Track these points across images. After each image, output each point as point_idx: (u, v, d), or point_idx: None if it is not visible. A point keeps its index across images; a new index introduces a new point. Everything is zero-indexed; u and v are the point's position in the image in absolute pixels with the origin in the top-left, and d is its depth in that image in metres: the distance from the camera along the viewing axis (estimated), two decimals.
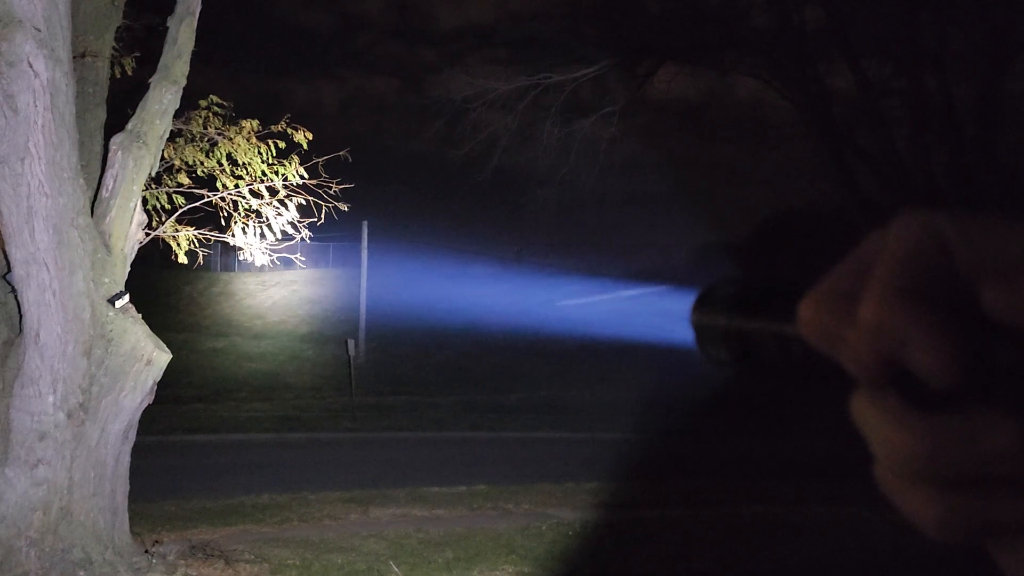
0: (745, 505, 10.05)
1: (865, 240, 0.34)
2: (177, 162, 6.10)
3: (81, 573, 4.96)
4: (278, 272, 31.20)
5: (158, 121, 5.37)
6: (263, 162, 6.24)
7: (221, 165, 6.21)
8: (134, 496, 5.81)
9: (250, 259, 6.49)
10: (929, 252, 0.32)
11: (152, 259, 6.48)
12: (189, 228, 6.27)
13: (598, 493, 10.98)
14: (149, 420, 5.75)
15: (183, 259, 6.32)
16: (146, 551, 5.78)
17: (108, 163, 5.19)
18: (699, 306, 0.48)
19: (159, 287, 26.25)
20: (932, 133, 11.08)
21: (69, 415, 4.90)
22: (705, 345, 0.47)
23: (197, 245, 6.42)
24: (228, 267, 32.13)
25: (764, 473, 13.19)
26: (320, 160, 6.47)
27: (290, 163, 6.30)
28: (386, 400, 21.82)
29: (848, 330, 0.32)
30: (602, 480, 12.39)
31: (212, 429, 17.44)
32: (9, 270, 4.85)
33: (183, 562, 5.89)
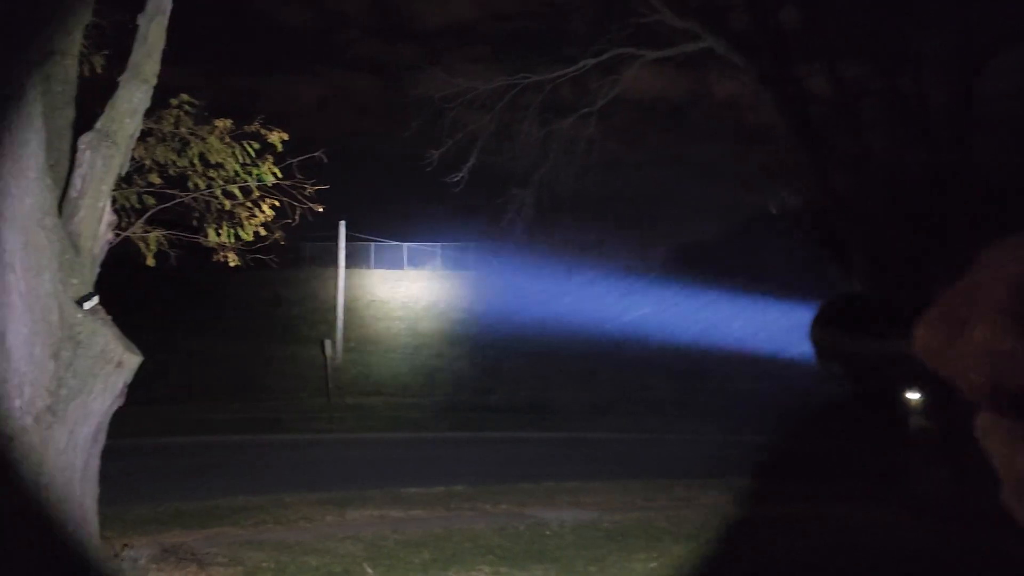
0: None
1: (979, 261, 0.33)
2: (148, 162, 6.02)
3: None
4: (254, 273, 30.99)
5: (128, 120, 5.28)
6: (236, 162, 6.17)
7: (193, 165, 6.14)
8: (105, 500, 5.72)
9: (223, 260, 6.43)
10: None
11: (133, 260, 6.37)
12: (160, 229, 6.19)
13: (577, 493, 10.98)
14: (121, 422, 5.67)
15: (151, 261, 6.24)
16: (115, 555, 5.70)
17: (76, 163, 5.10)
18: (820, 322, 0.47)
19: (135, 287, 25.95)
20: (907, 134, 11.18)
21: (36, 419, 4.82)
22: (825, 361, 0.46)
23: (168, 246, 6.35)
24: (204, 268, 31.80)
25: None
26: (295, 160, 6.42)
27: (264, 163, 6.24)
28: (364, 401, 21.73)
29: (964, 354, 0.31)
30: (583, 479, 12.41)
31: (187, 431, 17.29)
32: None
33: (154, 566, 5.82)
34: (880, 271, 10.26)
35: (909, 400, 10.18)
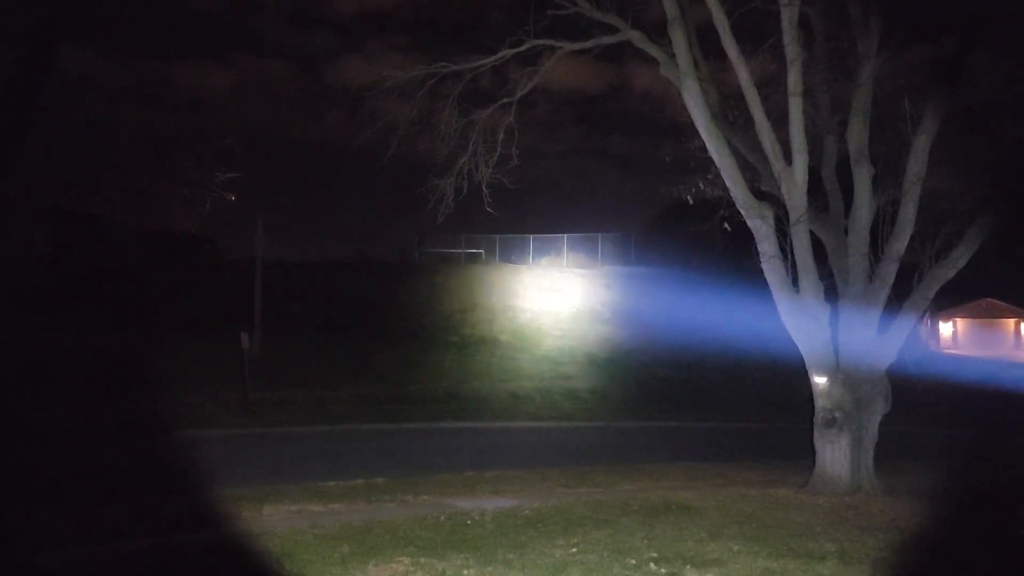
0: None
1: None
2: None
3: None
4: (161, 264, 29.99)
5: None
6: None
7: None
8: None
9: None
10: None
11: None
12: None
13: (497, 482, 11.05)
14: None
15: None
16: None
17: None
18: None
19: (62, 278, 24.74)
20: (816, 128, 11.55)
21: None
22: None
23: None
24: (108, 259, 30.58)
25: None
26: (203, 149, 6.23)
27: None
28: (283, 394, 21.28)
29: None
30: (504, 468, 12.50)
31: (104, 430, 16.59)
32: None
33: None
34: (787, 261, 10.64)
35: (817, 384, 10.63)
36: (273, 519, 8.14)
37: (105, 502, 8.63)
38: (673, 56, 10.93)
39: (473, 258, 39.34)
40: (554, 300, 33.17)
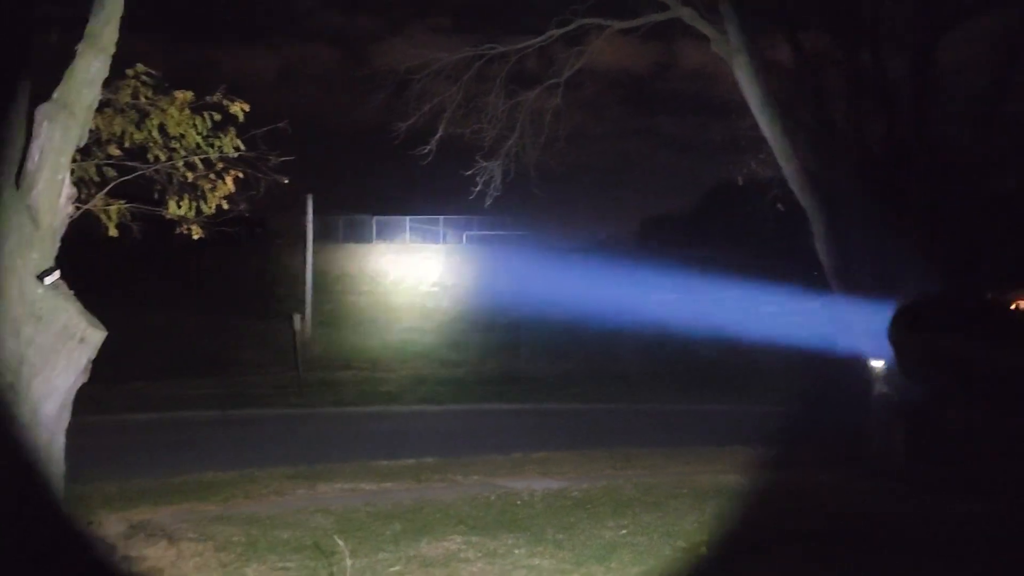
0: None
1: None
2: (106, 134, 5.89)
3: None
4: (221, 247, 30.59)
5: (86, 90, 5.17)
6: (198, 134, 6.07)
7: (152, 137, 6.02)
8: (72, 477, 5.68)
9: (186, 233, 6.35)
10: None
11: (95, 234, 6.27)
12: (121, 201, 6.08)
13: (545, 463, 11.10)
14: (87, 399, 5.61)
15: (113, 232, 6.13)
16: (83, 532, 5.67)
17: (33, 134, 4.99)
18: (900, 323, 0.43)
19: (100, 262, 25.51)
20: (867, 106, 11.31)
21: None
22: (907, 364, 0.42)
23: (130, 219, 6.25)
24: (169, 242, 31.25)
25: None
26: (258, 132, 6.33)
27: (226, 135, 6.15)
28: (334, 375, 21.66)
29: None
30: (549, 449, 12.53)
31: (155, 407, 17.13)
32: None
33: (123, 542, 5.79)
34: (842, 242, 10.41)
35: (874, 368, 10.41)
36: (327, 496, 8.32)
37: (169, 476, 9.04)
38: (725, 33, 10.73)
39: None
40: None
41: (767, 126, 10.43)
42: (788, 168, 10.40)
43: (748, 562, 6.17)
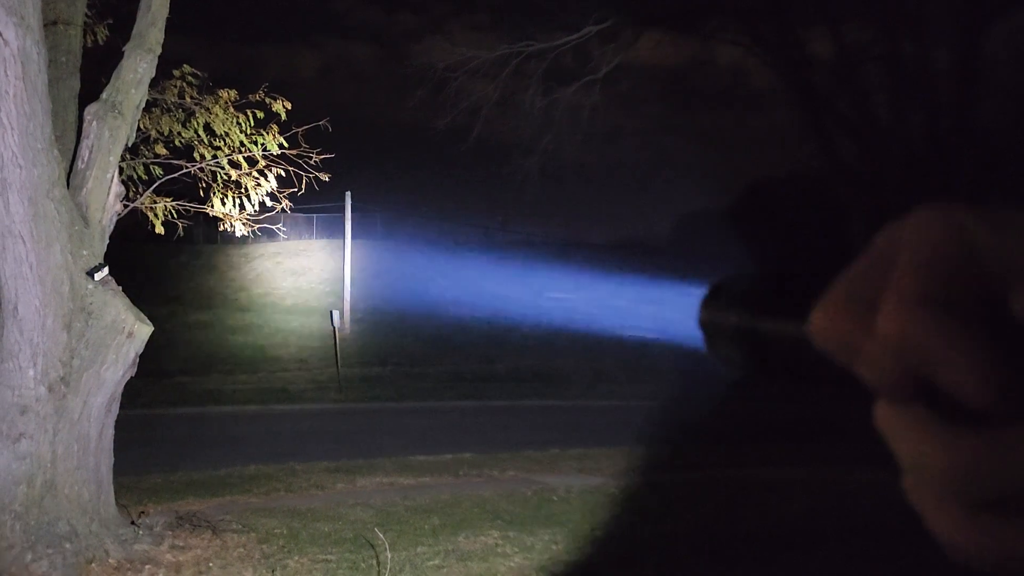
0: (732, 468, 10.19)
1: (880, 236, 0.30)
2: (153, 132, 6.03)
3: (67, 545, 4.98)
4: (261, 244, 31.02)
5: (133, 90, 5.30)
6: (241, 132, 6.18)
7: (198, 135, 6.14)
8: (120, 469, 5.82)
9: (230, 230, 6.46)
10: (953, 254, 0.28)
11: (134, 232, 6.42)
12: (167, 199, 6.21)
13: (582, 459, 11.09)
14: (134, 393, 5.75)
15: (160, 230, 6.27)
16: (132, 523, 5.81)
17: (83, 133, 5.12)
18: (709, 304, 0.44)
19: (142, 260, 26.06)
20: (910, 98, 11.10)
21: (50, 389, 4.89)
22: (715, 345, 0.44)
23: (175, 216, 6.38)
24: (211, 239, 31.82)
25: (749, 438, 13.31)
26: (300, 130, 6.41)
27: (268, 133, 6.24)
28: (372, 371, 21.86)
29: (866, 341, 0.29)
30: (586, 446, 12.52)
31: (198, 402, 17.45)
32: None
33: (170, 533, 5.92)
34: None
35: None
36: (367, 490, 8.41)
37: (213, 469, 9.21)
38: (758, 26, 10.62)
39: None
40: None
41: (806, 120, 10.31)
42: (828, 161, 10.27)
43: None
